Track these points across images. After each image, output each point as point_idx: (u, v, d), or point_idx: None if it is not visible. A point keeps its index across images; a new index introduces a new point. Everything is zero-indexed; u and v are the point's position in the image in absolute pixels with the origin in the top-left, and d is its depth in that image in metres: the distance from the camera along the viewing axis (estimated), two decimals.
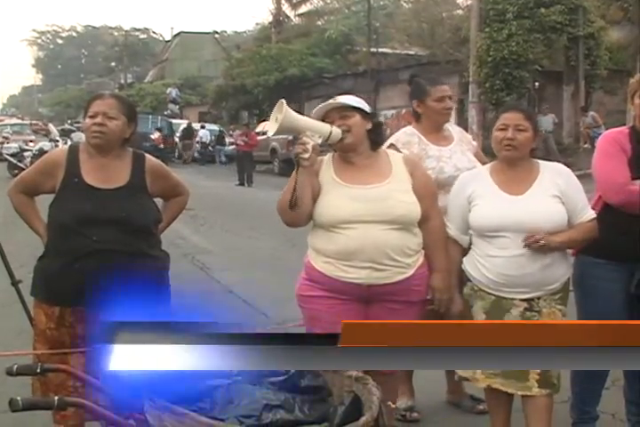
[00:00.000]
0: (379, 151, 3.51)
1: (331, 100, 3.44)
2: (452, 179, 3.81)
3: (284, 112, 3.28)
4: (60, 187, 3.36)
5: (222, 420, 2.32)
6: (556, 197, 3.38)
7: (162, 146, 27.94)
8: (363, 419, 2.37)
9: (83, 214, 3.28)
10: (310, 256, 3.45)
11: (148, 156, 3.55)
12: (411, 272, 3.35)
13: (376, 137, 3.48)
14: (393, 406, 3.07)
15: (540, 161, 3.53)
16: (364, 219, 3.28)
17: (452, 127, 4.32)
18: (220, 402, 2.42)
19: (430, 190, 3.53)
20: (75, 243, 3.28)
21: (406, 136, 4.16)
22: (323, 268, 3.36)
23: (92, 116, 3.35)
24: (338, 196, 3.35)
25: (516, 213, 3.34)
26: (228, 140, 30.73)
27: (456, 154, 4.10)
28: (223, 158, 30.57)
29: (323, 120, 3.39)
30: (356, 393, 2.56)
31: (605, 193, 3.53)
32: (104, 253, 3.26)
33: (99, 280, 3.21)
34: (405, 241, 3.34)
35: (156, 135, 28.49)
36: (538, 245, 3.28)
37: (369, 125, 3.42)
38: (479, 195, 3.46)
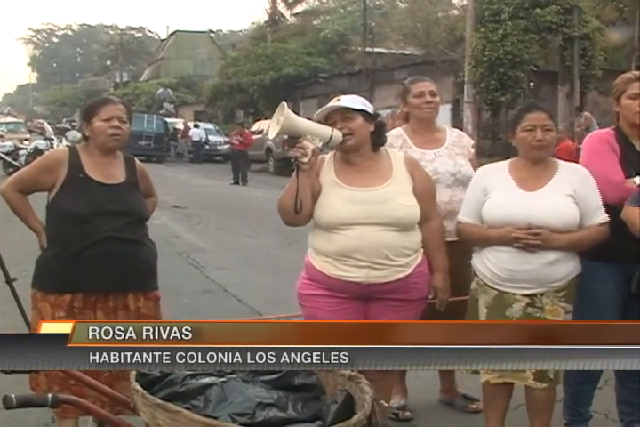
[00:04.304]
0: (380, 151, 3.49)
1: (334, 102, 3.40)
2: None
3: (285, 114, 3.23)
4: (64, 182, 3.52)
5: (215, 418, 2.32)
6: (569, 195, 3.37)
7: None
8: (355, 417, 2.38)
9: (93, 206, 3.47)
10: (310, 255, 3.47)
11: (134, 158, 3.78)
12: (409, 271, 3.37)
13: (378, 138, 3.46)
14: (385, 404, 3.06)
15: (560, 160, 3.52)
16: (361, 221, 3.30)
17: (450, 130, 4.32)
18: (214, 400, 2.42)
19: (430, 191, 3.55)
20: (86, 231, 3.45)
21: (390, 138, 4.18)
22: (322, 267, 3.38)
23: (107, 120, 3.50)
24: (337, 198, 3.36)
25: (526, 208, 3.33)
26: (220, 139, 30.82)
27: (441, 157, 4.10)
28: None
29: (325, 121, 3.37)
30: (349, 392, 2.56)
31: (602, 191, 3.51)
32: (112, 241, 3.47)
33: (107, 266, 3.45)
34: (403, 242, 3.35)
35: None
36: (527, 241, 3.28)
37: (372, 127, 3.40)
38: (493, 188, 3.45)
